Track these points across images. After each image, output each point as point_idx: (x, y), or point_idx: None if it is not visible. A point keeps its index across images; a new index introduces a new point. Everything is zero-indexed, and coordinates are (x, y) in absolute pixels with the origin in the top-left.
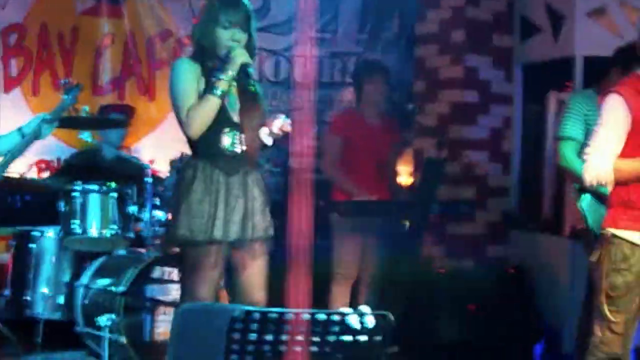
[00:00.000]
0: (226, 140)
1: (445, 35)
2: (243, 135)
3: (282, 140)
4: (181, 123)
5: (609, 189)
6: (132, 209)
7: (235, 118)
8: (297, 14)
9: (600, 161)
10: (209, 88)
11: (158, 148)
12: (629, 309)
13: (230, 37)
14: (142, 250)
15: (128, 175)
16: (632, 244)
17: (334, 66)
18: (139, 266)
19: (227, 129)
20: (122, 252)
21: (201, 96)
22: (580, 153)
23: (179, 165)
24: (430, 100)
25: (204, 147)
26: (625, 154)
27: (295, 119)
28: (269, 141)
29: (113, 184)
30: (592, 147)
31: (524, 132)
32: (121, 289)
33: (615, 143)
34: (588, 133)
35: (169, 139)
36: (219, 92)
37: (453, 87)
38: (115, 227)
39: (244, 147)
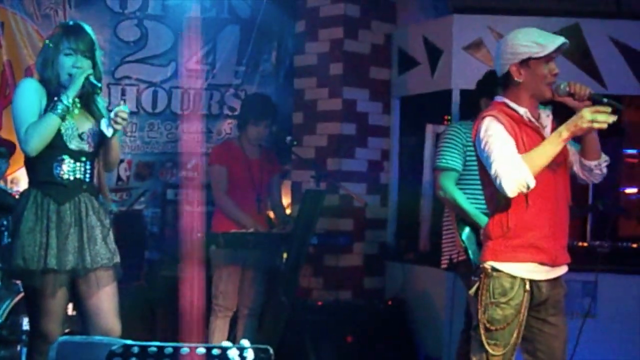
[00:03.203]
0: (59, 168)
1: (324, 68)
2: (79, 163)
3: (123, 130)
4: (19, 140)
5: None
6: (9, 240)
7: (72, 145)
8: (175, 46)
9: (513, 168)
10: (50, 107)
11: None
12: (508, 342)
13: (72, 64)
14: (18, 282)
15: (4, 206)
16: (512, 276)
17: (212, 98)
18: (15, 298)
19: (61, 157)
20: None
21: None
22: (459, 183)
23: None
24: (308, 132)
25: (36, 175)
26: None
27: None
28: (109, 132)
29: None
30: (496, 164)
31: (402, 164)
32: None
33: (514, 150)
34: (467, 163)
35: None
36: (59, 110)
37: (331, 120)
38: None
39: (79, 176)
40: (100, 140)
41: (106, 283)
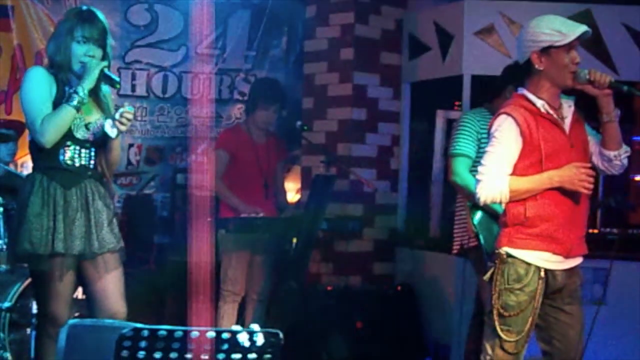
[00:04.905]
0: (64, 154)
1: (334, 53)
2: (84, 150)
3: (126, 129)
4: (34, 131)
5: (503, 207)
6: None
7: (78, 134)
8: (185, 31)
9: (494, 182)
10: (65, 98)
11: None
12: (522, 329)
13: (84, 53)
14: (26, 266)
15: (16, 190)
16: (527, 263)
17: (222, 82)
18: (25, 281)
19: (67, 143)
20: (6, 267)
21: (54, 106)
22: (472, 170)
23: None
24: (318, 117)
25: (42, 160)
26: (515, 173)
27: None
28: (113, 133)
29: (0, 199)
30: (485, 167)
31: (412, 150)
32: (6, 304)
33: (508, 163)
34: (480, 151)
35: None
36: (75, 102)
37: (341, 105)
38: (0, 242)
39: (84, 162)
40: (103, 137)
41: (113, 267)
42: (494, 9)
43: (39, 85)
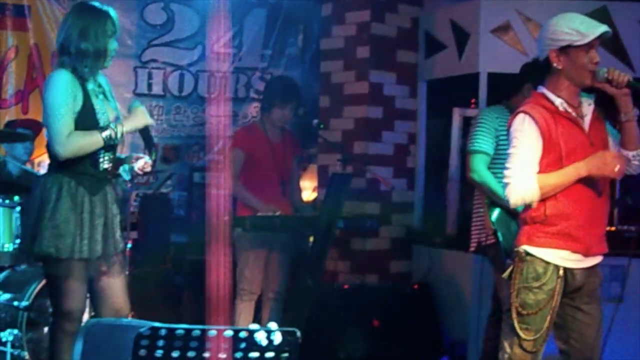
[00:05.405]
0: (93, 159)
1: (351, 51)
2: (107, 154)
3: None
4: (56, 141)
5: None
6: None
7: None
8: (201, 29)
9: (524, 182)
10: (100, 127)
11: None
12: (540, 327)
13: (113, 48)
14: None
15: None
16: (546, 262)
17: (239, 81)
18: (42, 280)
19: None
20: (24, 266)
21: (83, 105)
22: (490, 167)
23: None
24: (335, 115)
25: (70, 164)
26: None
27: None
28: (126, 176)
29: (17, 198)
30: (511, 170)
31: (428, 148)
32: (24, 303)
33: (533, 162)
34: (498, 148)
35: None
36: (106, 136)
37: (358, 103)
38: (18, 241)
39: (107, 166)
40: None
41: (120, 266)
42: (510, 7)
43: (65, 92)
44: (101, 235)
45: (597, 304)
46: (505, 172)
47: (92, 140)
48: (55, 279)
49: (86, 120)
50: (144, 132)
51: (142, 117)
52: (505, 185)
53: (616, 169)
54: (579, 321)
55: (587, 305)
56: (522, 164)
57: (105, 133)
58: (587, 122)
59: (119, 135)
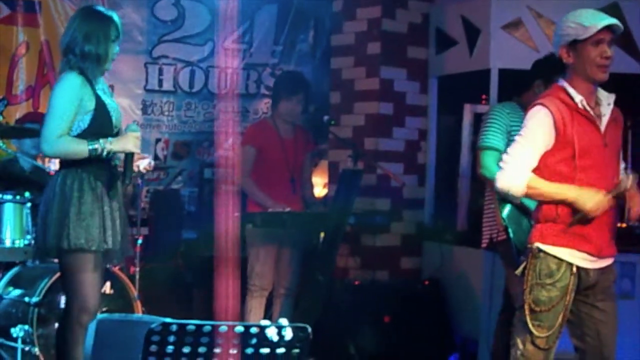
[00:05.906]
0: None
1: (361, 47)
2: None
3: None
4: (46, 138)
5: (535, 202)
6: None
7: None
8: (212, 25)
9: (516, 174)
10: (90, 141)
11: None
12: (553, 324)
13: (115, 52)
14: (56, 260)
15: (43, 185)
16: (559, 259)
17: (249, 77)
18: (53, 276)
19: None
20: (35, 262)
21: (96, 105)
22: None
23: None
24: (345, 111)
25: (87, 160)
26: (546, 168)
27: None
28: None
29: (28, 194)
30: (510, 156)
31: (439, 144)
32: (35, 299)
33: (534, 155)
34: (509, 144)
35: None
36: (94, 149)
37: (369, 99)
38: (29, 237)
39: (117, 161)
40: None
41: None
42: (522, 3)
43: (71, 97)
44: (118, 228)
45: (612, 301)
46: (504, 156)
47: (78, 149)
48: (77, 273)
49: (100, 116)
50: (127, 158)
51: (132, 144)
52: (499, 168)
53: (597, 213)
54: (595, 319)
55: (602, 302)
56: (521, 155)
57: (93, 147)
58: (604, 122)
59: (104, 153)
